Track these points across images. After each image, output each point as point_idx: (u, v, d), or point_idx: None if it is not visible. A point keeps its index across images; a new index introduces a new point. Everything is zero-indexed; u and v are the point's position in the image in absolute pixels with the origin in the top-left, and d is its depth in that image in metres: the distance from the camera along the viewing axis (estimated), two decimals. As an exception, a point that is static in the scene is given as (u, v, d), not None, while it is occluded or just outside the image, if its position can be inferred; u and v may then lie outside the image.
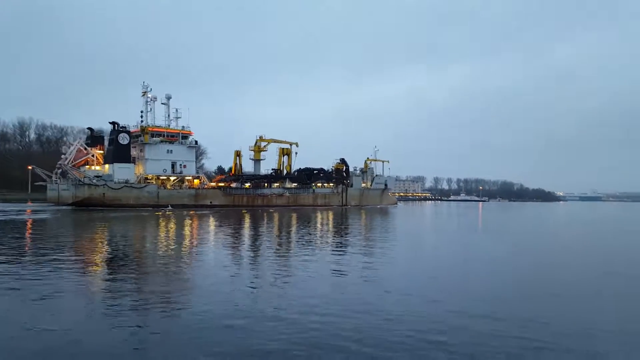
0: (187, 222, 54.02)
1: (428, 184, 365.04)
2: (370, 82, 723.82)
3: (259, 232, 42.07)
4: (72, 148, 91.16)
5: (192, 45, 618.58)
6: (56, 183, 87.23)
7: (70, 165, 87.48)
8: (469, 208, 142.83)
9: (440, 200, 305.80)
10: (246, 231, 43.37)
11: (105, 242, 32.31)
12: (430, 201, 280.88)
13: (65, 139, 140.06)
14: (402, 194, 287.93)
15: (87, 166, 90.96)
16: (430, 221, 72.12)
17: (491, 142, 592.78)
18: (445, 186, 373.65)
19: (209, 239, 36.39)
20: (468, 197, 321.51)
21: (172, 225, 48.92)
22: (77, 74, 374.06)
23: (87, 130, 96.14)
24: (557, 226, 64.66)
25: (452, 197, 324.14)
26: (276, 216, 70.33)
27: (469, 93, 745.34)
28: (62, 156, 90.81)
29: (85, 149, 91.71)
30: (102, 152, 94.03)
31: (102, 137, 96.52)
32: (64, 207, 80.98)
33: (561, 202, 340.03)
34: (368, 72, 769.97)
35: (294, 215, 72.49)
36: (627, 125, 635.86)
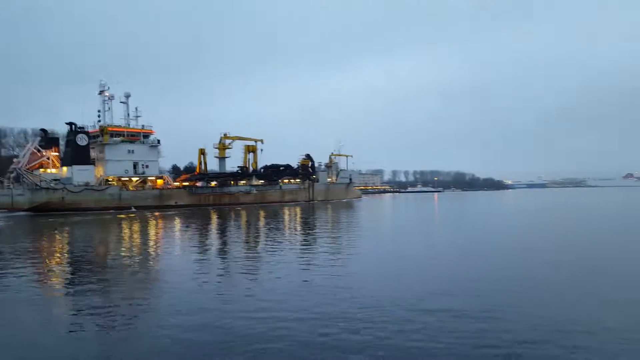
0: (152, 223, 53.06)
1: (386, 176, 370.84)
2: (328, 76, 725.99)
3: (226, 232, 41.73)
4: (25, 150, 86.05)
5: (146, 42, 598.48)
6: (8, 188, 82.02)
7: (24, 168, 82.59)
8: (426, 199, 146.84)
9: (399, 192, 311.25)
10: (213, 231, 42.94)
11: (67, 249, 31.39)
12: (389, 193, 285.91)
13: (3, 140, 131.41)
14: (362, 187, 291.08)
15: (42, 169, 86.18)
16: (391, 213, 74.07)
17: (445, 133, 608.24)
18: (402, 178, 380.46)
19: (174, 241, 35.74)
20: (425, 189, 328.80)
21: (135, 227, 47.91)
22: (16, 73, 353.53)
23: (39, 132, 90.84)
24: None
25: (409, 189, 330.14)
26: (244, 214, 69.80)
27: (423, 85, 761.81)
28: (15, 160, 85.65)
29: (39, 151, 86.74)
30: (57, 154, 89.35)
31: (57, 139, 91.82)
32: (19, 214, 76.58)
33: (509, 189, 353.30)
34: (327, 65, 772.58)
35: (262, 213, 71.97)
36: (570, 117, 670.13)
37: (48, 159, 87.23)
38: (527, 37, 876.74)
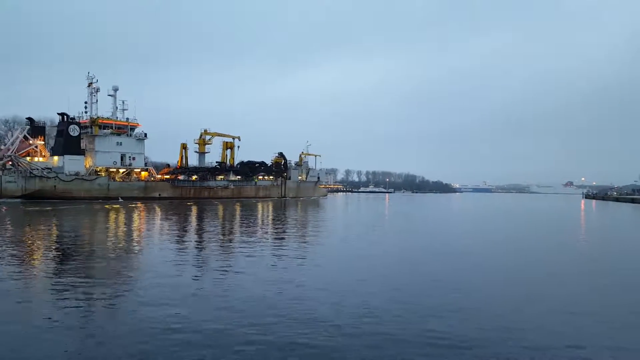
0: (141, 214, 56.14)
1: (339, 176, 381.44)
2: (295, 74, 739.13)
3: (209, 225, 43.70)
4: (14, 138, 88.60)
5: (113, 32, 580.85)
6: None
7: (11, 155, 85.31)
8: (377, 199, 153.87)
9: (351, 192, 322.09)
10: (198, 224, 44.93)
11: (75, 236, 33.28)
12: (342, 193, 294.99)
13: None
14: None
15: (29, 157, 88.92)
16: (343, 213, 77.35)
17: (399, 135, 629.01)
18: (355, 178, 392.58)
19: (161, 233, 36.95)
20: (376, 189, 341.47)
21: (127, 218, 50.17)
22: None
23: (26, 120, 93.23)
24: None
25: (362, 189, 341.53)
26: (222, 208, 73.90)
27: (383, 87, 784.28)
28: (2, 147, 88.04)
29: (27, 139, 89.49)
30: (43, 143, 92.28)
31: (43, 128, 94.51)
32: (11, 200, 79.38)
33: (457, 193, 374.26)
34: (294, 64, 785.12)
35: (240, 207, 77.18)
36: (516, 123, 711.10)
37: (36, 147, 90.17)
38: (487, 44, 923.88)
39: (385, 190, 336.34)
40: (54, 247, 27.25)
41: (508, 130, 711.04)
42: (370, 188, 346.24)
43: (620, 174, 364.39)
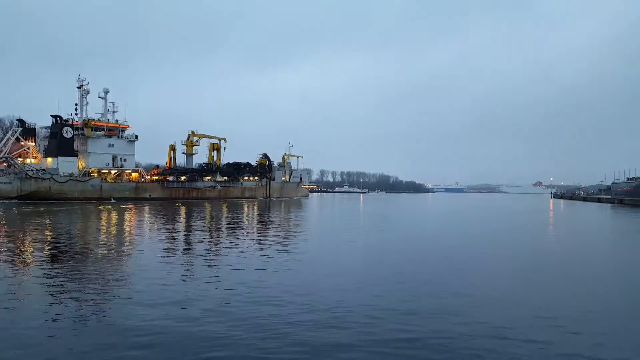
0: (138, 215, 57.96)
1: (314, 176, 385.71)
2: (268, 75, 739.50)
3: (202, 226, 45.20)
4: (6, 139, 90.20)
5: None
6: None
7: (4, 157, 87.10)
8: (352, 199, 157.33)
9: (326, 192, 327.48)
10: (186, 226, 46.07)
11: (82, 236, 35.01)
12: (317, 193, 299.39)
13: None
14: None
15: (20, 159, 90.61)
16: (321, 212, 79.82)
17: (373, 136, 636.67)
18: (330, 178, 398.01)
19: (153, 234, 38.35)
20: (351, 189, 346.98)
21: (123, 218, 52.04)
22: None
23: (16, 122, 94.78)
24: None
25: (336, 189, 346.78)
26: (211, 208, 76.49)
27: (354, 86, 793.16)
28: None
29: (19, 140, 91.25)
30: (33, 144, 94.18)
31: (34, 130, 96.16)
32: (6, 202, 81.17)
33: (430, 193, 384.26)
34: (270, 62, 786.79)
35: (228, 207, 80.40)
36: (489, 123, 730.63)
37: (28, 149, 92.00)
38: (458, 45, 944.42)
39: (360, 191, 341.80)
40: (64, 248, 28.63)
41: (479, 130, 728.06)
42: (345, 188, 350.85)
43: (587, 174, 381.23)
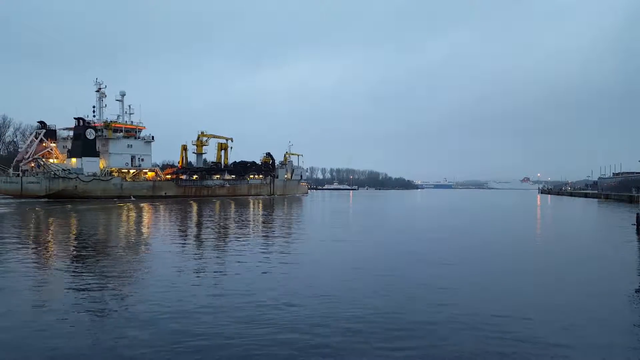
0: (156, 212, 63.47)
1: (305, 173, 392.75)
2: (254, 73, 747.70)
3: (214, 223, 48.24)
4: (29, 141, 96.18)
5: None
6: (16, 175, 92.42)
7: (31, 158, 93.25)
8: (342, 196, 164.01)
9: (316, 189, 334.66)
10: (205, 222, 49.43)
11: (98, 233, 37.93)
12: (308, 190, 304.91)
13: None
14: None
15: (43, 160, 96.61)
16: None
17: (363, 133, 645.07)
18: (320, 175, 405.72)
19: (174, 228, 42.17)
20: (340, 186, 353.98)
21: (151, 215, 58.07)
22: None
23: (38, 124, 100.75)
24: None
25: (326, 186, 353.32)
26: (225, 205, 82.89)
27: (343, 84, 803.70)
28: (20, 150, 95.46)
29: (43, 142, 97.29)
30: (55, 145, 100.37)
31: (55, 131, 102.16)
32: (35, 200, 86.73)
33: (419, 189, 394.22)
34: (260, 61, 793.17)
35: (238, 204, 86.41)
36: (478, 120, 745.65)
37: (50, 150, 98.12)
38: (448, 43, 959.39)
39: (350, 188, 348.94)
40: (106, 241, 31.62)
41: (467, 128, 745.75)
42: (335, 185, 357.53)
43: (573, 170, 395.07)
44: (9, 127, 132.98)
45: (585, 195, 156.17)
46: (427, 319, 14.05)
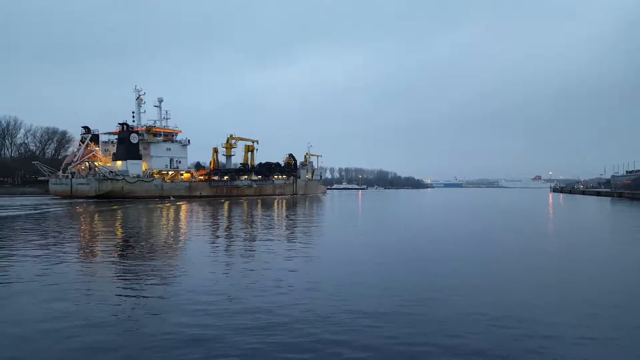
0: (200, 211, 65.76)
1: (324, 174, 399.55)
2: (263, 70, 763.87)
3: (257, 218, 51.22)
4: (78, 145, 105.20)
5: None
6: (67, 177, 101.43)
7: (79, 161, 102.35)
8: (351, 195, 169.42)
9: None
10: (242, 220, 49.95)
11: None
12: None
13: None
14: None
15: (88, 163, 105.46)
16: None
17: (372, 132, 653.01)
18: (328, 175, 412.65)
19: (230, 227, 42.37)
20: (349, 186, 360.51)
21: (194, 214, 60.43)
22: None
23: (82, 129, 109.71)
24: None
25: (335, 186, 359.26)
26: (256, 203, 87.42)
27: (353, 82, 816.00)
28: (68, 154, 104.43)
29: (89, 146, 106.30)
30: (99, 148, 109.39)
31: (97, 136, 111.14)
32: (86, 200, 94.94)
33: (429, 189, 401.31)
34: (262, 60, 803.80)
35: (266, 203, 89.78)
36: (488, 117, 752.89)
37: (95, 153, 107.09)
38: (459, 39, 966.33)
39: (359, 187, 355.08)
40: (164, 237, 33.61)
41: (477, 125, 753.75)
42: (344, 185, 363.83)
43: (586, 167, 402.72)
44: (20, 129, 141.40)
45: (598, 194, 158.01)
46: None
